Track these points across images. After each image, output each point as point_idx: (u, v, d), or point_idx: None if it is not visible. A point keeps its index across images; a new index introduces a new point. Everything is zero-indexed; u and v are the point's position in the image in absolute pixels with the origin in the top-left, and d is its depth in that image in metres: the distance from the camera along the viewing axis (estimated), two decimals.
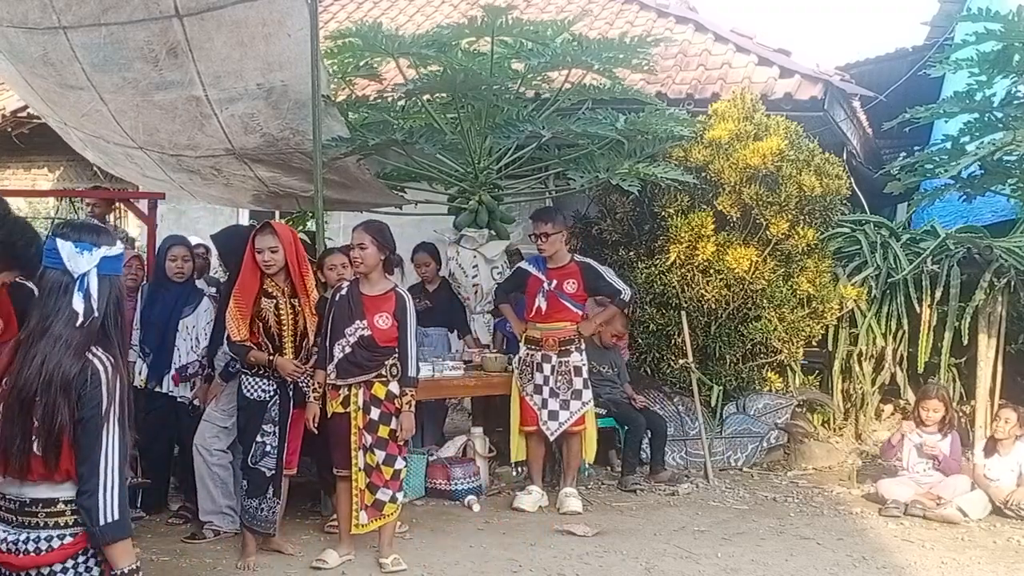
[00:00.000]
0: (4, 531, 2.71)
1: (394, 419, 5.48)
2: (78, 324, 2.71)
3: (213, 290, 6.73)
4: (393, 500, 5.47)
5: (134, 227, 11.28)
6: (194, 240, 7.59)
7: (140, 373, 6.52)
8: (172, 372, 6.47)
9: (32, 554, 2.68)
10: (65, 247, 2.78)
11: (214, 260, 8.06)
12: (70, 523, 2.70)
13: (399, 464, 5.53)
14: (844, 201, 8.80)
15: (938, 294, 8.58)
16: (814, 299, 8.37)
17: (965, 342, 8.39)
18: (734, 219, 8.19)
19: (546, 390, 6.88)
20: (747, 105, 8.57)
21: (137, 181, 9.16)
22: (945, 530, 6.58)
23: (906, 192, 8.64)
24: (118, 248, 2.87)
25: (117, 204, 10.39)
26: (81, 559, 2.74)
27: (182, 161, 7.89)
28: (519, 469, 7.40)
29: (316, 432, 5.60)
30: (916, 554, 6.02)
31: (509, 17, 7.21)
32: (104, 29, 6.31)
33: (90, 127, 7.73)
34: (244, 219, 12.08)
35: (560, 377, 6.86)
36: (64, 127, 8.11)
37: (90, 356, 2.71)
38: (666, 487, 7.44)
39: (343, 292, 5.58)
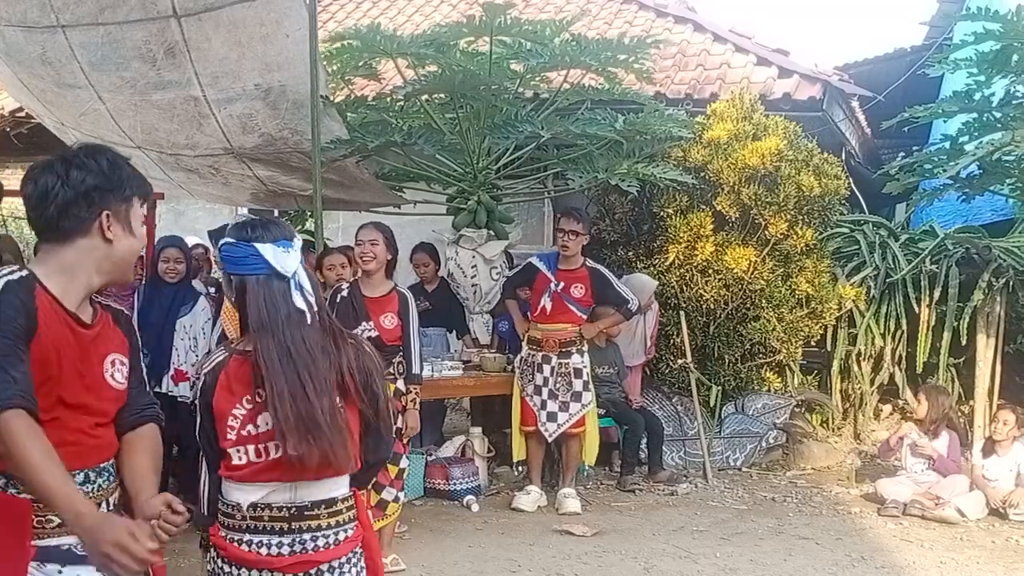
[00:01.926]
0: (277, 541, 2.63)
1: (399, 417, 5.44)
2: (309, 323, 2.63)
3: (212, 290, 6.73)
4: (396, 500, 5.46)
5: None
6: (193, 240, 7.59)
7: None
8: (171, 372, 6.48)
9: (321, 550, 2.63)
10: (267, 249, 2.67)
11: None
12: (349, 519, 2.70)
13: (403, 463, 5.52)
14: (843, 201, 8.80)
15: (937, 294, 8.58)
16: (813, 299, 8.37)
17: (964, 342, 8.39)
18: (733, 219, 8.19)
19: (545, 391, 6.87)
20: (746, 105, 8.57)
21: None
22: (944, 530, 6.58)
23: (905, 192, 8.65)
24: (299, 240, 2.77)
25: None
26: (358, 550, 2.73)
27: (180, 160, 7.88)
28: (519, 469, 7.39)
29: None
30: (915, 554, 6.02)
31: (507, 17, 7.20)
32: (102, 28, 6.31)
33: (88, 127, 7.72)
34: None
35: (560, 379, 6.84)
36: (61, 127, 8.09)
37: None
38: (665, 487, 7.43)
39: (343, 294, 5.51)
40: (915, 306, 8.65)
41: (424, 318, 7.79)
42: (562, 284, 6.86)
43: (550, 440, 6.96)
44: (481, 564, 5.64)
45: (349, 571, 2.68)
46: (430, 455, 7.24)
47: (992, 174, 7.94)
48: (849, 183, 8.76)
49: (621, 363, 7.92)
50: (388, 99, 8.60)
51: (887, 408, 9.05)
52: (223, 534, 2.67)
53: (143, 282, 6.85)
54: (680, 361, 8.15)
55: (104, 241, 2.45)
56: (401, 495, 5.55)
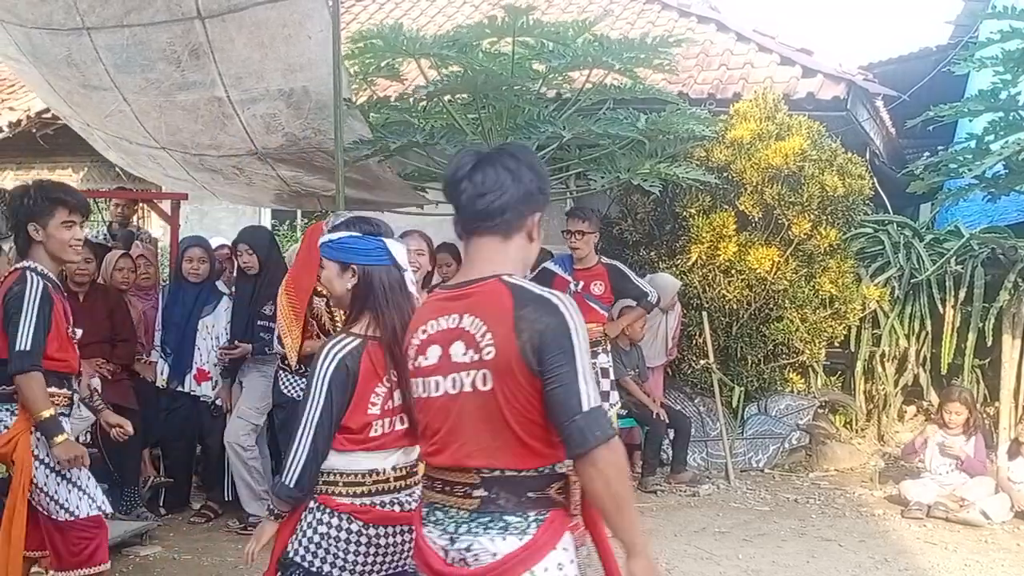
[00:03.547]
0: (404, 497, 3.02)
1: None
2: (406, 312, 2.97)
3: (233, 289, 6.76)
4: None
5: (157, 227, 11.34)
6: (217, 240, 7.62)
7: (162, 373, 6.57)
8: (193, 371, 6.51)
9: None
10: (393, 245, 3.07)
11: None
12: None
13: None
14: (867, 201, 8.77)
15: (962, 295, 8.53)
16: (836, 299, 8.33)
17: (989, 343, 8.33)
18: (756, 219, 8.16)
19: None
20: (769, 105, 8.54)
21: (160, 181, 9.20)
22: (968, 532, 6.54)
23: (929, 192, 8.58)
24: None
25: (140, 204, 10.45)
26: None
27: (204, 160, 7.92)
28: None
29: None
30: (939, 556, 5.98)
31: (530, 18, 7.20)
32: (127, 30, 6.34)
33: (113, 128, 7.77)
34: (266, 219, 12.14)
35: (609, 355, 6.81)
36: (87, 128, 8.16)
37: None
38: (687, 488, 7.42)
39: None
40: (940, 307, 8.60)
41: None
42: (581, 284, 6.86)
43: None
44: None
45: None
46: None
47: (1018, 174, 7.86)
48: (873, 183, 8.72)
49: (643, 365, 7.90)
50: (410, 99, 8.61)
51: (911, 409, 9.00)
52: (352, 500, 2.93)
53: (167, 282, 6.91)
54: (703, 361, 8.13)
55: (529, 241, 2.53)
56: None
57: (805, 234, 8.10)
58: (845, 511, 7.02)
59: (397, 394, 2.95)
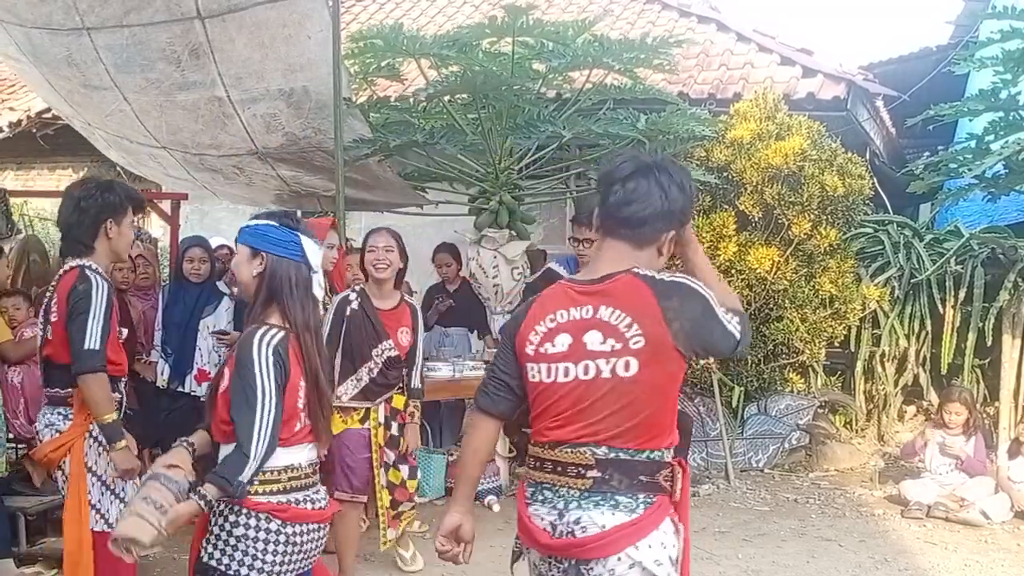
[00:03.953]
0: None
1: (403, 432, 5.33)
2: (320, 312, 3.10)
3: (235, 290, 6.76)
4: (412, 507, 5.42)
5: (157, 227, 11.34)
6: (218, 241, 7.62)
7: (162, 373, 6.57)
8: (194, 372, 6.51)
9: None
10: (308, 243, 3.07)
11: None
12: None
13: (418, 475, 5.45)
14: (867, 201, 8.76)
15: (962, 295, 8.52)
16: (836, 299, 8.33)
17: (989, 343, 8.32)
18: (756, 219, 8.15)
19: None
20: (769, 105, 8.54)
21: (160, 180, 9.21)
22: (968, 532, 6.54)
23: (929, 192, 8.58)
24: None
25: None
26: None
27: (205, 160, 7.93)
28: None
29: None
30: (939, 556, 5.98)
31: (530, 18, 7.20)
32: (127, 30, 6.36)
33: (114, 127, 7.78)
34: None
35: None
36: (88, 127, 8.17)
37: None
38: None
39: (353, 306, 5.14)
40: (940, 307, 8.59)
41: (446, 318, 7.82)
42: None
43: None
44: (502, 564, 5.62)
45: None
46: (451, 455, 7.25)
47: (1018, 173, 7.86)
48: (873, 183, 8.72)
49: None
50: (410, 99, 8.61)
51: (911, 409, 9.00)
52: (269, 499, 2.91)
53: (167, 282, 6.91)
54: (702, 361, 8.12)
55: (658, 255, 2.70)
56: (416, 499, 5.49)
57: (805, 234, 8.10)
58: (845, 511, 7.02)
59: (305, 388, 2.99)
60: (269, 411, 2.85)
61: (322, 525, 3.02)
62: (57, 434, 3.87)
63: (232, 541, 2.88)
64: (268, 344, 2.89)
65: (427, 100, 8.09)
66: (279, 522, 2.89)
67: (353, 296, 5.18)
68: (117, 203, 3.92)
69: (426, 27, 11.42)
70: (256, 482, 2.87)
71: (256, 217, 3.15)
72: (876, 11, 46.25)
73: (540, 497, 2.62)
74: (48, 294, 3.92)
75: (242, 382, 2.86)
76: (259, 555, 2.87)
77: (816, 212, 8.10)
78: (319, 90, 6.70)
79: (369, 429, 5.19)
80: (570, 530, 2.53)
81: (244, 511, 2.88)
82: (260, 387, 2.85)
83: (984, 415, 8.18)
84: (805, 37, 42.01)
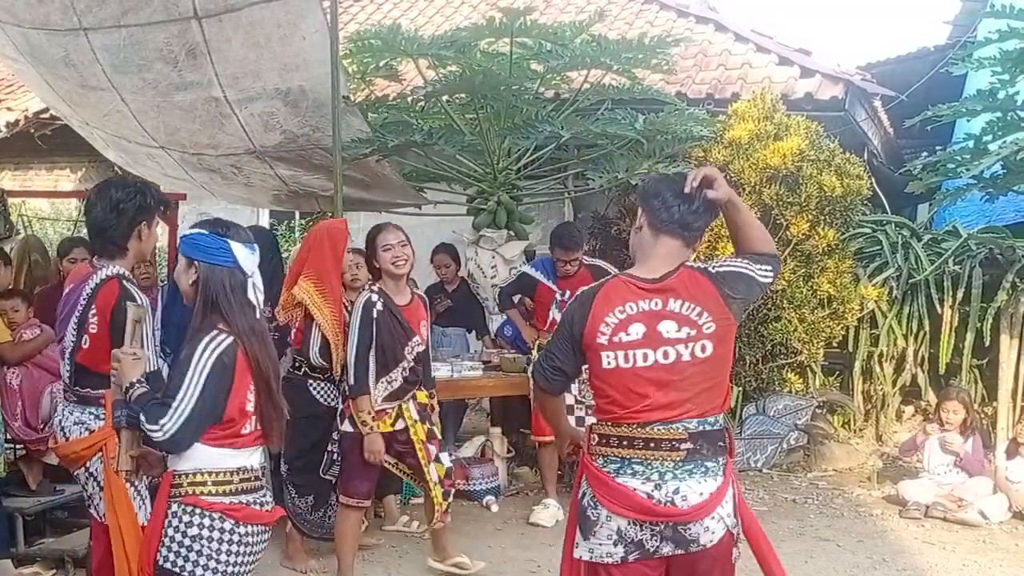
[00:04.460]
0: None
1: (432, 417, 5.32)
2: (258, 316, 3.11)
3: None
4: (446, 496, 5.32)
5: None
6: None
7: (163, 373, 6.55)
8: None
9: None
10: (239, 249, 3.11)
11: None
12: None
13: (446, 461, 5.35)
14: (865, 201, 8.76)
15: (960, 295, 8.52)
16: (835, 300, 8.33)
17: (987, 343, 8.32)
18: None
19: (569, 397, 6.52)
20: (767, 105, 8.54)
21: (159, 181, 9.18)
22: (966, 532, 6.54)
23: (927, 192, 8.58)
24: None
25: None
26: None
27: (203, 160, 7.92)
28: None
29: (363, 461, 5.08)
30: (937, 556, 5.99)
31: (528, 18, 7.20)
32: (124, 31, 6.34)
33: (112, 127, 7.78)
34: (264, 219, 12.14)
35: (583, 384, 6.36)
36: (86, 127, 8.16)
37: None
38: None
39: (379, 308, 5.05)
40: (938, 307, 8.60)
41: (445, 318, 7.82)
42: (567, 292, 6.64)
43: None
44: (501, 564, 5.64)
45: None
46: (451, 455, 7.24)
47: (1016, 174, 7.86)
48: (871, 183, 8.72)
49: None
50: (408, 99, 8.62)
51: (909, 409, 8.99)
52: (222, 499, 2.97)
53: (165, 282, 6.90)
54: None
55: (693, 252, 3.17)
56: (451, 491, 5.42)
57: (803, 234, 8.10)
58: (843, 511, 7.02)
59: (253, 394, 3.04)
60: (184, 410, 2.87)
61: (269, 528, 3.09)
62: (87, 432, 3.86)
63: (187, 542, 2.92)
64: (213, 351, 2.94)
65: (425, 99, 8.10)
66: (232, 522, 2.95)
67: (376, 298, 5.08)
68: (152, 205, 3.96)
69: (424, 27, 11.41)
70: (210, 483, 2.94)
71: (192, 226, 3.21)
72: (874, 11, 46.31)
73: (630, 471, 2.95)
74: (84, 302, 3.86)
75: (171, 379, 2.95)
76: (214, 555, 2.92)
77: (814, 212, 8.11)
78: (316, 89, 6.70)
79: (403, 430, 5.12)
80: (670, 499, 2.91)
81: (199, 511, 2.93)
82: (186, 387, 2.89)
83: (982, 415, 8.18)
84: (803, 37, 42.09)
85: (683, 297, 2.96)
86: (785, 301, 8.20)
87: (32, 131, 11.39)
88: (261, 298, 3.13)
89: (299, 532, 5.56)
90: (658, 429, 2.92)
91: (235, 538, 2.95)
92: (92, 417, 3.88)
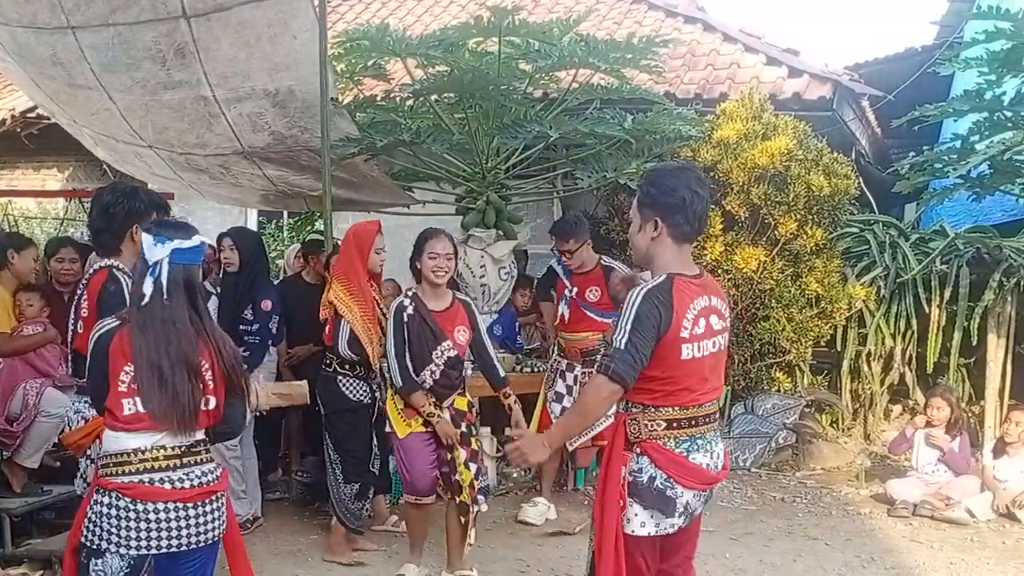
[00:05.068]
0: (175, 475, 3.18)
1: (474, 430, 5.35)
2: (144, 304, 3.19)
3: (220, 288, 6.73)
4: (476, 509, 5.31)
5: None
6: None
7: None
8: None
9: (213, 483, 3.24)
10: (146, 239, 3.24)
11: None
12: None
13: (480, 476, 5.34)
14: (853, 201, 8.78)
15: (947, 294, 8.55)
16: (823, 299, 8.35)
17: (974, 342, 8.35)
18: (742, 219, 8.17)
19: (567, 399, 6.59)
20: (755, 105, 8.56)
21: (147, 179, 9.17)
22: (954, 531, 6.57)
23: (915, 191, 8.60)
24: (192, 241, 3.28)
25: None
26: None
27: (191, 160, 7.90)
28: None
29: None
30: (925, 555, 6.00)
31: (516, 17, 7.20)
32: (112, 29, 6.33)
33: (100, 126, 7.75)
34: (252, 219, 12.11)
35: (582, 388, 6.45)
36: (74, 125, 8.13)
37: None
38: None
39: (409, 311, 5.16)
40: (925, 306, 8.62)
41: None
42: (576, 289, 6.62)
43: (571, 450, 6.73)
44: (490, 564, 5.64)
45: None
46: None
47: (1003, 173, 7.89)
48: (859, 182, 8.74)
49: None
50: (397, 99, 8.61)
51: (897, 408, 9.02)
52: (120, 479, 3.15)
53: None
54: None
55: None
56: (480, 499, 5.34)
57: (791, 234, 8.12)
58: (831, 510, 7.04)
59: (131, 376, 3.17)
60: (89, 391, 3.37)
61: (194, 504, 3.18)
62: (83, 421, 3.98)
63: (94, 518, 3.15)
64: (94, 336, 3.23)
65: (413, 98, 8.09)
66: (128, 499, 3.11)
67: (407, 302, 5.19)
68: (142, 209, 4.06)
69: (412, 27, 11.41)
70: (112, 464, 3.15)
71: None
72: (862, 11, 46.43)
73: (696, 447, 3.35)
74: (79, 292, 4.09)
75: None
76: (113, 530, 3.11)
77: (802, 212, 8.13)
78: (305, 90, 6.69)
79: (434, 433, 5.17)
80: (717, 465, 3.42)
81: (100, 490, 3.16)
82: (86, 370, 3.30)
83: (970, 414, 8.21)
84: (791, 37, 42.17)
85: (716, 294, 3.44)
86: (773, 300, 8.22)
87: (19, 130, 11.36)
88: (164, 287, 3.21)
89: (342, 525, 5.68)
90: (709, 407, 3.40)
91: (132, 515, 3.10)
92: (87, 406, 3.98)
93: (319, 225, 10.14)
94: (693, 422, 3.35)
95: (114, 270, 3.98)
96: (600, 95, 8.00)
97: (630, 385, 3.26)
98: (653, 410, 3.32)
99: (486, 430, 7.43)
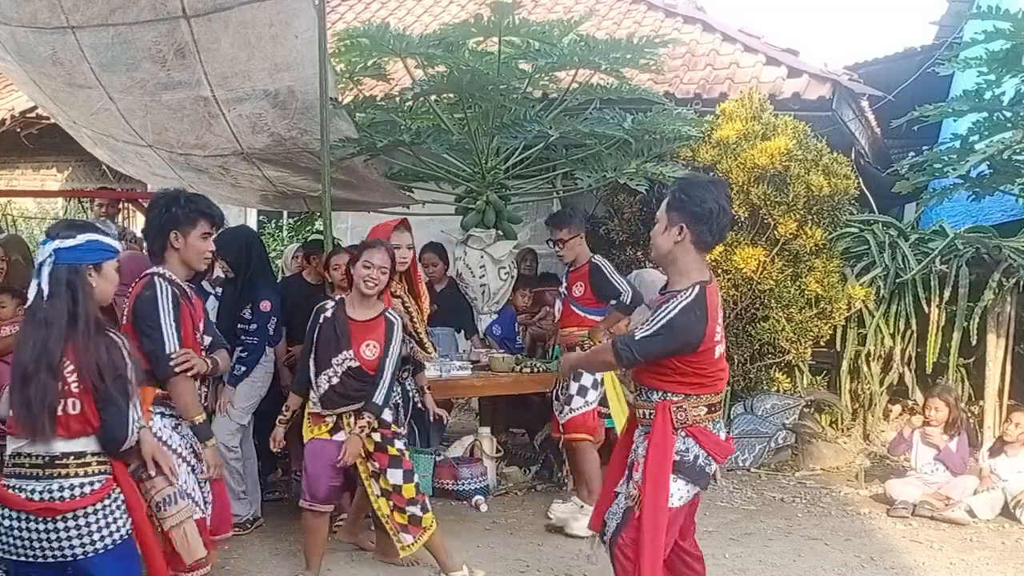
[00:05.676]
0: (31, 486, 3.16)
1: (396, 440, 5.19)
2: (27, 306, 3.24)
3: (219, 290, 6.73)
4: (425, 510, 5.19)
5: (142, 227, 11.31)
6: None
7: None
8: None
9: (68, 500, 3.15)
10: (45, 241, 3.29)
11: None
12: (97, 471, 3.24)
13: (416, 478, 5.24)
14: (852, 201, 8.78)
15: (947, 294, 8.54)
16: (822, 299, 8.35)
17: (974, 342, 8.35)
18: (742, 219, 8.17)
19: (592, 393, 6.45)
20: (755, 105, 8.56)
21: (146, 179, 9.18)
22: (953, 531, 6.57)
23: (914, 191, 8.61)
24: (76, 240, 3.28)
25: (125, 204, 10.41)
26: (107, 501, 3.24)
27: (191, 160, 7.90)
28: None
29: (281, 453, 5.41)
30: (924, 555, 6.00)
31: (516, 17, 7.20)
32: (112, 29, 6.32)
33: (99, 126, 7.75)
34: (252, 219, 12.11)
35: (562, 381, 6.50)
36: (74, 125, 8.13)
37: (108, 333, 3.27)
38: None
39: (327, 314, 5.11)
40: (925, 306, 8.62)
41: (433, 317, 7.81)
42: (566, 284, 6.66)
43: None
44: (490, 564, 5.63)
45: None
46: (438, 455, 7.23)
47: (1002, 173, 7.90)
48: (858, 183, 8.74)
49: None
50: (397, 99, 8.61)
51: (896, 408, 9.02)
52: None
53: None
54: None
55: None
56: (427, 503, 5.26)
57: (791, 234, 8.12)
58: (831, 510, 7.04)
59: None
60: None
61: (36, 518, 3.14)
62: None
63: None
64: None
65: (413, 99, 8.09)
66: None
67: (329, 305, 5.16)
68: (182, 216, 4.15)
69: (412, 26, 11.41)
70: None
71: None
72: (861, 11, 46.45)
73: (717, 427, 3.92)
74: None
75: None
76: None
77: (802, 212, 8.13)
78: (305, 90, 6.68)
79: (338, 441, 5.05)
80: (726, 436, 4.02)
81: None
82: None
83: (969, 414, 8.22)
84: (791, 37, 42.19)
85: (717, 297, 3.84)
86: (773, 301, 8.21)
87: (18, 130, 11.36)
88: (45, 288, 3.21)
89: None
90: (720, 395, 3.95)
91: None
92: None
93: (319, 225, 10.14)
94: (719, 405, 3.91)
95: (156, 277, 4.07)
96: (600, 95, 8.00)
97: (625, 369, 3.83)
98: (695, 398, 3.81)
99: (485, 430, 7.45)
